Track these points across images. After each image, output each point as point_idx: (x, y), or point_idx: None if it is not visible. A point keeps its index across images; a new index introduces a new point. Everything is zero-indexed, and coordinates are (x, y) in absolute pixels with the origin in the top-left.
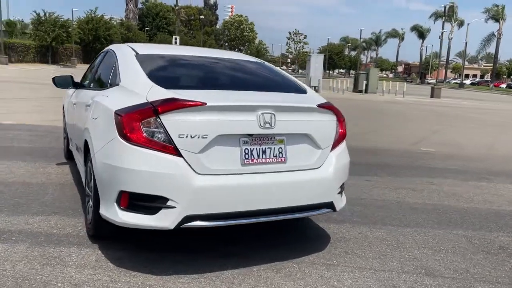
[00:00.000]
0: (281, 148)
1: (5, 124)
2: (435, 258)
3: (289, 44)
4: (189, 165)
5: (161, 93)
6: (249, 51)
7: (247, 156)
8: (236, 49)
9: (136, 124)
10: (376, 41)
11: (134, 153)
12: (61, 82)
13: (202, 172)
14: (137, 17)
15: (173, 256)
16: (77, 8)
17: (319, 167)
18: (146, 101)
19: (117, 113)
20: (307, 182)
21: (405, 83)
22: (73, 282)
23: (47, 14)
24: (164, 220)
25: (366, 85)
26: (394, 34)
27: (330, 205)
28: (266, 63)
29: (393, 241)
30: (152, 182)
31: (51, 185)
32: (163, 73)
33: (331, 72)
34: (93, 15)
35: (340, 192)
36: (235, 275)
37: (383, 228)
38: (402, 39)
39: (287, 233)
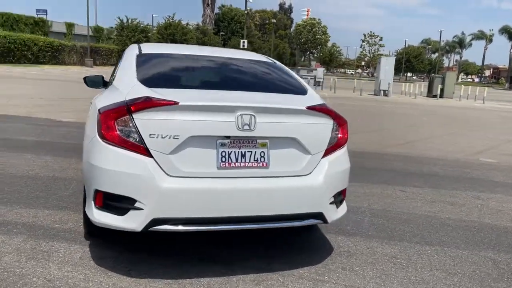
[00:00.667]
0: (263, 152)
1: (65, 121)
2: (445, 283)
3: (364, 47)
4: (160, 167)
5: (139, 92)
6: (321, 54)
7: (224, 160)
8: (308, 52)
9: (111, 122)
10: (460, 44)
11: (108, 152)
12: (92, 82)
13: (174, 174)
14: (213, 21)
15: (155, 259)
16: (157, 14)
17: (308, 174)
18: (123, 100)
19: (98, 111)
20: (292, 189)
21: (485, 88)
22: (48, 278)
23: (129, 20)
24: (131, 221)
25: (441, 89)
26: (480, 36)
27: (319, 216)
28: (277, 63)
29: (403, 259)
30: (122, 182)
31: (75, 180)
32: (154, 72)
33: (408, 75)
34: (171, 20)
35: (334, 202)
36: (211, 284)
37: (397, 245)
38: (490, 41)
39: (284, 241)
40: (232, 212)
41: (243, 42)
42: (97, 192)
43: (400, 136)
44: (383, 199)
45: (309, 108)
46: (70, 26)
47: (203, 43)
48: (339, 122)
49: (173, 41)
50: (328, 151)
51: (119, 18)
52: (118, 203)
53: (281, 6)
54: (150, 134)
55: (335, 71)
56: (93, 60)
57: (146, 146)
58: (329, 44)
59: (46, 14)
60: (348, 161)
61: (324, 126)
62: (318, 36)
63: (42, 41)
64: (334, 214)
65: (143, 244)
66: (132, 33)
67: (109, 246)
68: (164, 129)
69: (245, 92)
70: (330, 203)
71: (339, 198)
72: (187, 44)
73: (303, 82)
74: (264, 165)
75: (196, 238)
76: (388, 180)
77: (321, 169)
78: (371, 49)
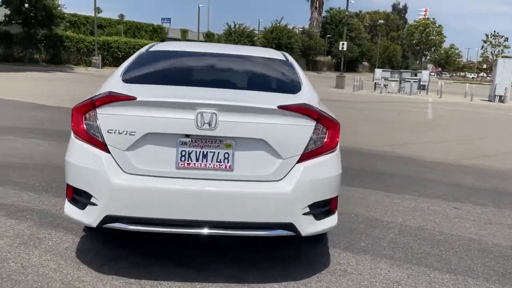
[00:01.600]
0: (228, 153)
1: None
2: None
3: (485, 48)
4: (116, 163)
5: (113, 87)
6: (436, 56)
7: (183, 159)
8: (420, 54)
9: (80, 117)
10: None
11: (76, 147)
12: None
13: (130, 171)
14: (320, 24)
15: (134, 257)
16: (263, 19)
17: (279, 180)
18: (93, 95)
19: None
20: (259, 195)
21: None
22: (24, 264)
23: (237, 26)
24: (89, 216)
25: None
26: None
27: (289, 227)
28: (290, 60)
29: (407, 286)
30: (82, 177)
31: None
32: (141, 68)
33: None
34: (277, 24)
35: (311, 214)
36: None
37: (410, 269)
38: None
39: (272, 251)
40: (190, 215)
41: (342, 44)
42: (67, 185)
43: (489, 146)
44: (425, 216)
45: (281, 107)
46: (184, 32)
47: (309, 47)
48: (327, 124)
49: (278, 45)
50: (307, 156)
51: (227, 24)
52: (79, 197)
53: (394, 6)
54: (108, 130)
55: (453, 74)
56: None
57: (105, 142)
58: (445, 45)
59: (170, 23)
60: (337, 168)
61: (301, 128)
62: (432, 37)
63: None
64: (310, 226)
65: (129, 242)
66: (238, 37)
67: (98, 240)
68: (121, 125)
69: (216, 89)
70: (305, 214)
71: (319, 209)
72: (291, 48)
73: (304, 81)
74: (228, 167)
75: (186, 241)
76: (446, 195)
77: (294, 175)
78: (494, 51)
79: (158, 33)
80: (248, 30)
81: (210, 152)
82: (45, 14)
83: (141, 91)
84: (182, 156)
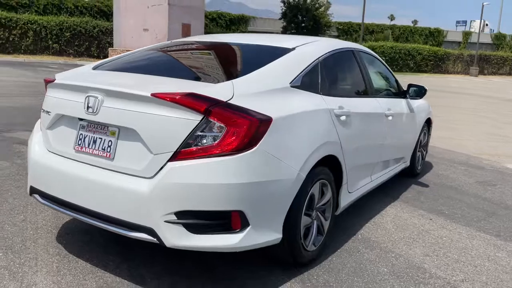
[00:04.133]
0: (111, 141)
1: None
2: None
3: None
4: (44, 140)
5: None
6: None
7: (80, 142)
8: None
9: None
10: None
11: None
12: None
13: (49, 149)
14: None
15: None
16: None
17: (149, 178)
18: None
19: None
20: (127, 191)
21: None
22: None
23: None
24: (27, 185)
25: None
26: None
27: (151, 232)
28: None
29: None
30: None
31: None
32: (117, 59)
33: None
34: None
35: (180, 223)
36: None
37: None
38: None
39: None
40: (80, 201)
41: None
42: None
43: None
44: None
45: (154, 95)
46: (466, 34)
47: None
48: (226, 120)
49: None
50: (184, 154)
51: None
52: None
53: None
54: (42, 109)
55: None
56: (480, 69)
57: (40, 120)
58: None
59: (465, 26)
60: (240, 175)
61: (178, 121)
62: None
63: (426, 50)
64: (179, 238)
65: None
66: None
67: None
68: (46, 105)
69: (128, 75)
70: (169, 222)
71: (196, 220)
72: None
73: (266, 70)
74: (108, 156)
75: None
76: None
77: (164, 174)
78: None
79: (434, 37)
80: None
81: (99, 138)
82: (313, 23)
83: (66, 75)
84: (79, 139)
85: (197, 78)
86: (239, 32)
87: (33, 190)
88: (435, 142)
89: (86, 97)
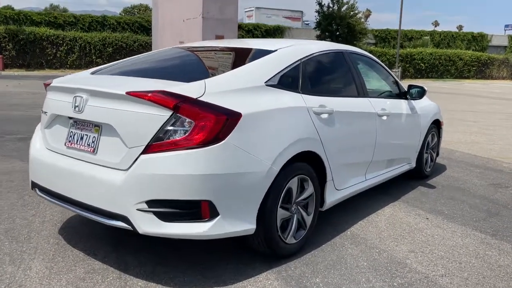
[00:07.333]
0: (95, 137)
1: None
2: None
3: None
4: (43, 139)
5: None
6: None
7: (70, 139)
8: None
9: None
10: None
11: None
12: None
13: (47, 146)
14: None
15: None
16: None
17: (125, 169)
18: None
19: None
20: (106, 182)
21: None
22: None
23: None
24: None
25: None
26: None
27: (125, 220)
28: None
29: None
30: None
31: None
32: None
33: None
34: None
35: (152, 212)
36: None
37: None
38: None
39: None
40: (67, 191)
41: None
42: None
43: None
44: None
45: (128, 93)
46: None
47: None
48: (194, 116)
49: None
50: (155, 147)
51: None
52: None
53: None
54: (42, 110)
55: None
56: None
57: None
58: None
59: None
60: (207, 167)
61: (150, 117)
62: None
63: (468, 55)
64: (151, 226)
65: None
66: None
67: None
68: (45, 106)
69: (113, 77)
70: (141, 210)
71: (167, 209)
72: None
73: (238, 72)
74: (92, 150)
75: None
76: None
77: (137, 166)
78: None
79: (478, 41)
80: None
81: (85, 135)
82: (347, 31)
83: (63, 79)
84: (70, 136)
85: (175, 78)
86: None
87: (34, 185)
88: (457, 147)
89: (74, 97)
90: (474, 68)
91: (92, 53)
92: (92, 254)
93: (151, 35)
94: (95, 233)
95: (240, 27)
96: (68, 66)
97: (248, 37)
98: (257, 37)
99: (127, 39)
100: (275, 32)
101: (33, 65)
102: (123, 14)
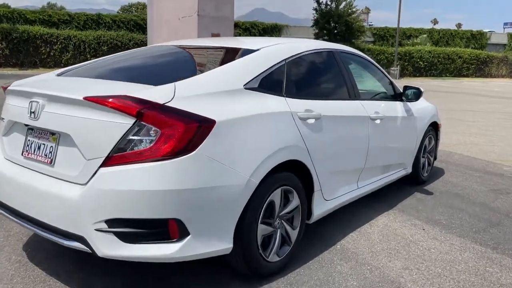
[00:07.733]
0: (53, 147)
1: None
2: None
3: None
4: (1, 147)
5: None
6: None
7: (27, 148)
8: None
9: None
10: None
11: None
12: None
13: (5, 156)
14: None
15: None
16: None
17: (83, 184)
18: None
19: None
20: (62, 198)
21: None
22: None
23: None
24: None
25: None
26: None
27: (82, 241)
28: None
29: None
30: None
31: None
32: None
33: None
34: None
35: (112, 232)
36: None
37: None
38: None
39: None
40: (22, 207)
41: None
42: None
43: None
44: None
45: (86, 99)
46: None
47: None
48: (161, 124)
49: None
50: (115, 159)
51: None
52: None
53: None
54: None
55: None
56: None
57: None
58: None
59: None
60: (175, 181)
61: (110, 125)
62: None
63: (467, 53)
64: (111, 248)
65: None
66: None
67: None
68: (2, 112)
69: (80, 79)
70: (99, 230)
71: (130, 229)
72: None
73: (207, 74)
74: (49, 162)
75: None
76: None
77: (95, 180)
78: None
79: (477, 39)
80: None
81: (43, 144)
82: (345, 29)
83: (22, 81)
84: (26, 145)
85: (144, 81)
86: None
87: None
88: (456, 148)
89: (30, 102)
90: (473, 66)
91: (87, 51)
92: (54, 274)
93: (146, 34)
94: (60, 250)
95: (237, 25)
96: (62, 64)
97: (245, 35)
98: (254, 35)
99: (122, 38)
100: (273, 30)
101: (26, 64)
102: (121, 12)
